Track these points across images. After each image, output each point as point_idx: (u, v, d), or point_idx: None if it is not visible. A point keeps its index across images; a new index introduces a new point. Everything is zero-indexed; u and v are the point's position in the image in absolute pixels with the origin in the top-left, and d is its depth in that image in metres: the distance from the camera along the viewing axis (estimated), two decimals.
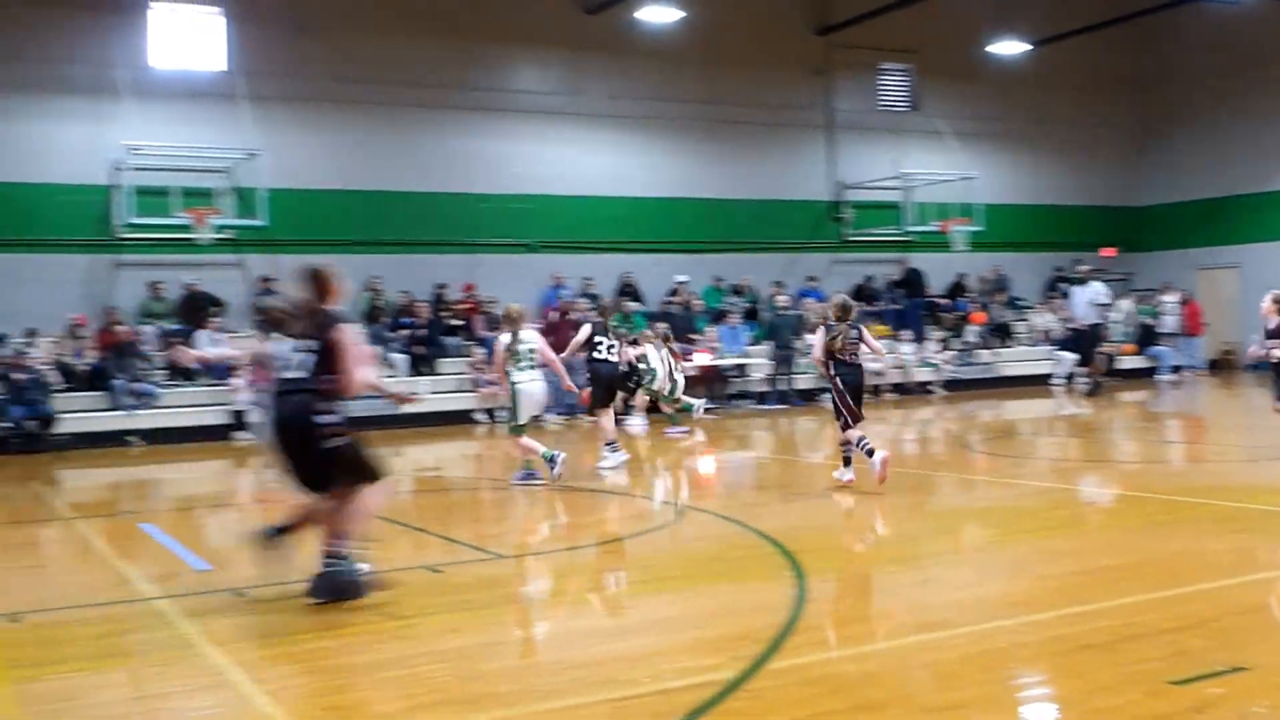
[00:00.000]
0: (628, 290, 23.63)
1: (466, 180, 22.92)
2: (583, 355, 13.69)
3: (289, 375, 6.75)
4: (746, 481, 13.26)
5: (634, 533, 9.38)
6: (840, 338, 10.65)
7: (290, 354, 6.78)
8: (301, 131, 21.68)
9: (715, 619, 6.20)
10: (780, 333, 22.35)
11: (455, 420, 19.34)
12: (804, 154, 26.27)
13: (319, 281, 6.87)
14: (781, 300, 22.88)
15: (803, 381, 22.50)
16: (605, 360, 13.48)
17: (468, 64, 23.19)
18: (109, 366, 18.62)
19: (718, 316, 23.44)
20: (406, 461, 15.02)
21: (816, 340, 10.91)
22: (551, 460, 11.69)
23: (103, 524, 10.70)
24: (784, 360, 22.26)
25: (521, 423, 11.77)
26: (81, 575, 8.44)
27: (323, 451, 6.64)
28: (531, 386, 11.74)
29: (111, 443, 17.98)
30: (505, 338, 11.70)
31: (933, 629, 5.87)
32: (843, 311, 10.79)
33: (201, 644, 5.97)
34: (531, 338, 11.80)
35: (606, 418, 13.37)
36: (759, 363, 22.73)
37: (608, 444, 13.02)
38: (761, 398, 22.39)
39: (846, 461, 10.92)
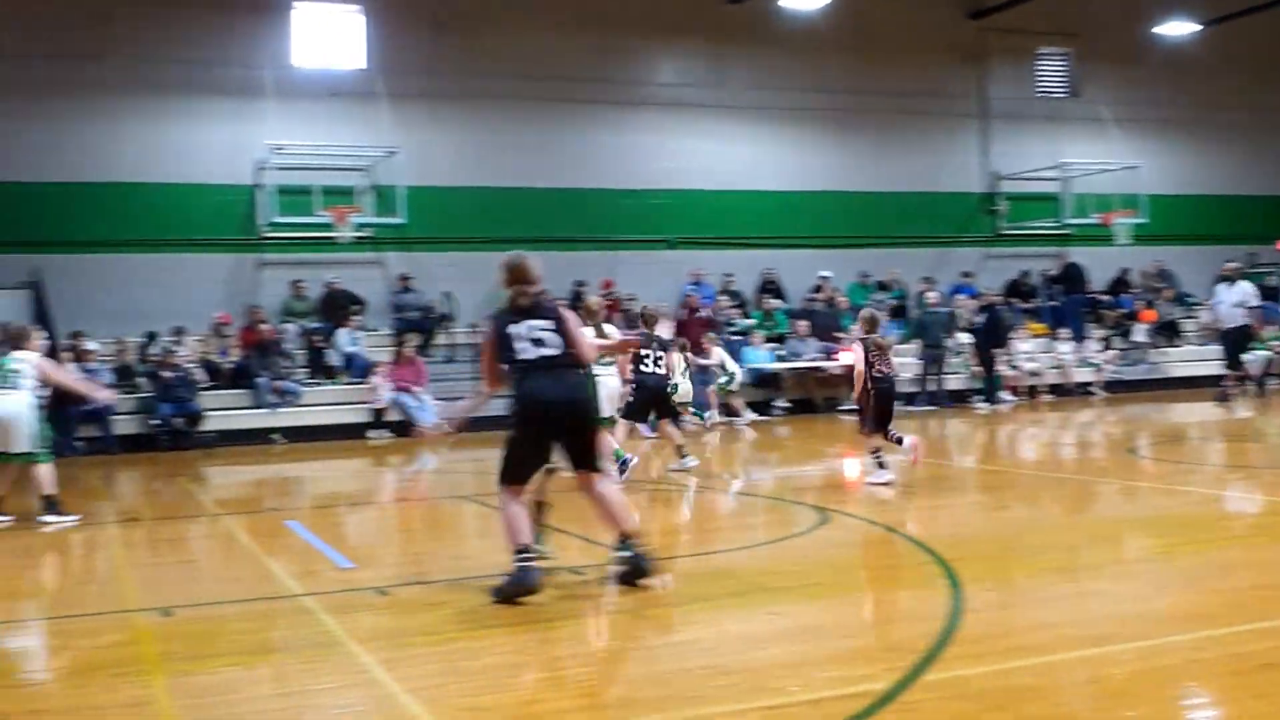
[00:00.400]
0: (770, 287, 23.54)
1: (605, 175, 23.10)
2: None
3: (545, 354, 6.97)
4: (895, 485, 13.05)
5: (779, 537, 9.34)
6: (875, 350, 11.42)
7: (537, 333, 7.05)
8: (439, 128, 22.12)
9: (867, 627, 6.13)
10: (930, 331, 22.00)
11: None
12: (956, 144, 25.82)
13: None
14: (931, 297, 22.52)
15: (954, 382, 22.13)
16: (653, 372, 12.93)
17: (607, 57, 23.37)
18: (252, 365, 19.26)
19: None
20: None
21: (858, 355, 11.53)
22: (623, 464, 11.78)
23: (248, 520, 11.07)
24: (934, 360, 21.91)
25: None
26: (229, 571, 8.74)
27: (591, 426, 7.08)
28: (609, 380, 11.87)
29: (255, 440, 18.60)
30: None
31: (1099, 643, 5.71)
32: (871, 325, 11.59)
33: (347, 641, 6.13)
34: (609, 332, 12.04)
35: (670, 427, 13.28)
36: (907, 362, 22.38)
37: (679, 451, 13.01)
38: (910, 399, 22.05)
39: (881, 465, 11.45)
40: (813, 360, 21.68)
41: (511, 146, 22.60)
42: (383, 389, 19.15)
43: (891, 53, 25.02)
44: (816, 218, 24.47)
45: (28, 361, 10.83)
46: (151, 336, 19.51)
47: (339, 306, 20.78)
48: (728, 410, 20.22)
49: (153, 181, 20.58)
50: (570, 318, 7.22)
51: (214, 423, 18.61)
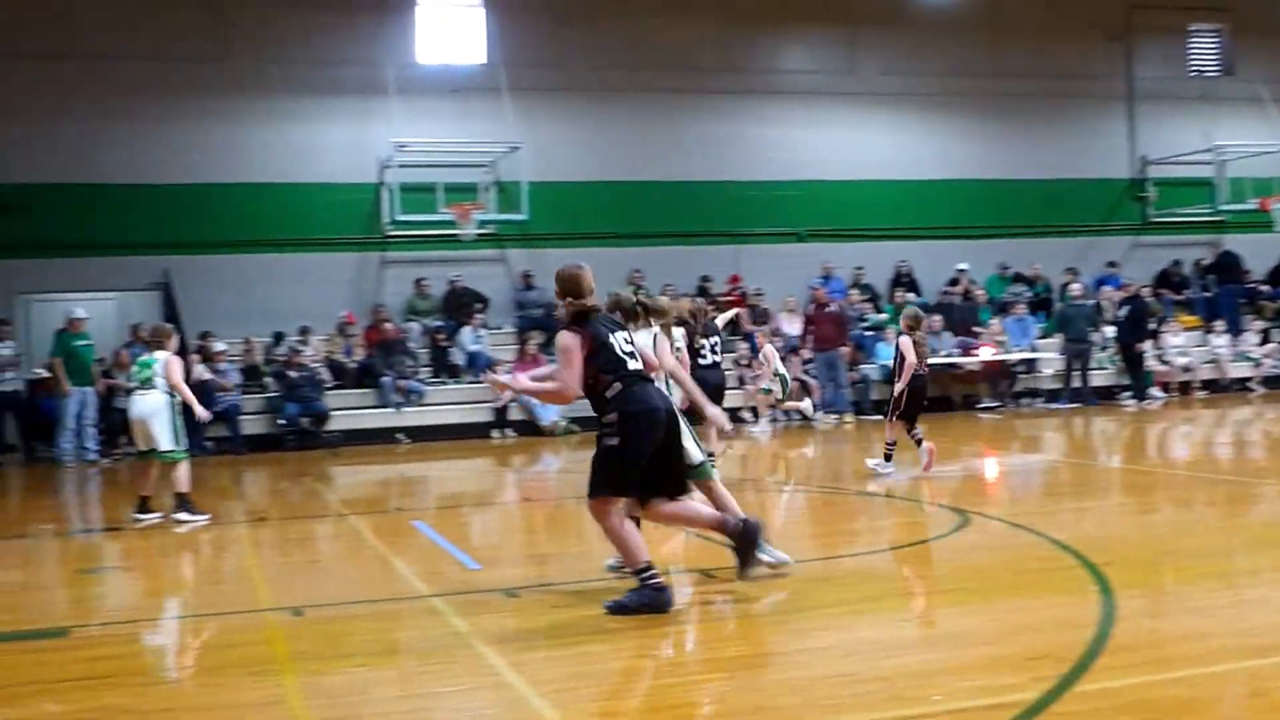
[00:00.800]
0: (903, 280, 23.26)
1: (731, 168, 23.06)
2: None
3: (638, 367, 6.95)
4: (1037, 487, 12.83)
5: (917, 540, 9.23)
6: (919, 347, 12.38)
7: (639, 346, 7.13)
8: (562, 123, 22.31)
9: (1012, 635, 6.03)
10: (1074, 324, 21.50)
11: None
12: (1101, 128, 25.19)
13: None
14: (1075, 289, 22.01)
15: (1099, 378, 21.62)
16: (711, 365, 12.28)
17: (732, 45, 23.34)
18: (376, 364, 19.67)
19: (1002, 307, 22.79)
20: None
21: (909, 349, 12.30)
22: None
23: (374, 520, 11.31)
24: (1078, 355, 21.41)
25: None
26: (357, 571, 8.95)
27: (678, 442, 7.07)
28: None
29: (380, 440, 19.00)
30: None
31: (1261, 654, 5.53)
32: (915, 322, 12.47)
33: (476, 643, 6.23)
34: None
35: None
36: (1049, 358, 21.95)
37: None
38: (1052, 396, 21.61)
39: (888, 458, 12.50)
40: (949, 356, 21.37)
41: (635, 139, 22.70)
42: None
43: (1032, 32, 24.50)
44: (953, 207, 24.09)
45: (160, 361, 11.28)
46: (278, 337, 20.05)
47: (462, 305, 21.10)
48: (784, 412, 19.19)
49: (278, 182, 21.14)
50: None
51: (339, 422, 19.06)
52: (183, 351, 18.15)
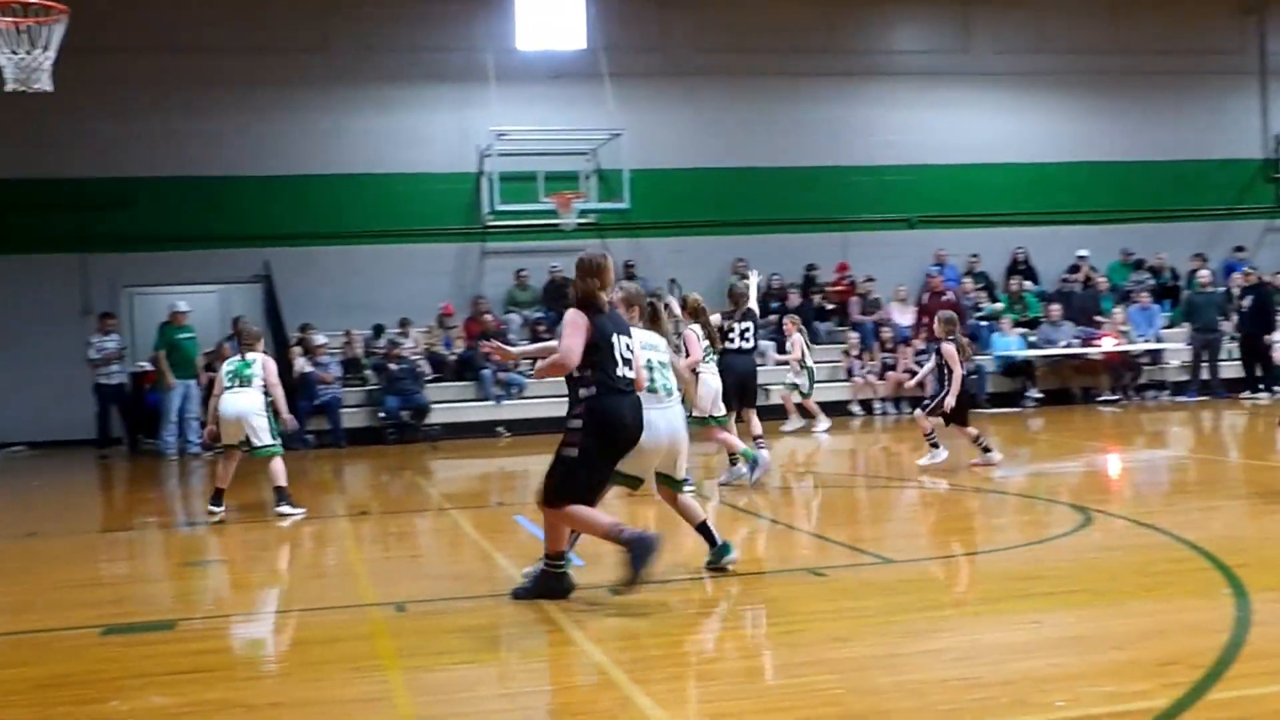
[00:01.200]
0: (1020, 267, 22.89)
1: (838, 152, 22.89)
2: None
3: (628, 376, 7.05)
4: (1163, 484, 12.54)
5: (1036, 539, 9.07)
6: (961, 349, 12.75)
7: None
8: (664, 108, 22.32)
9: (1140, 639, 5.89)
10: (1202, 313, 20.97)
11: (830, 412, 19.16)
12: (1232, 106, 24.53)
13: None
14: (1203, 276, 21.47)
15: (1228, 369, 21.05)
16: (740, 350, 12.02)
17: (840, 24, 23.16)
18: (476, 356, 19.85)
19: (1125, 296, 22.32)
20: (776, 456, 15.15)
21: (954, 358, 12.56)
22: (754, 462, 11.54)
23: (475, 515, 11.41)
24: (1206, 345, 20.87)
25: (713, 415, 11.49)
26: (458, 566, 9.05)
27: None
28: (711, 379, 11.41)
29: (480, 433, 19.18)
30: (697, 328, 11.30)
31: None
32: (952, 326, 12.74)
33: (580, 641, 6.25)
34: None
35: (726, 432, 11.68)
36: (1175, 348, 21.43)
37: (731, 461, 11.84)
38: (1179, 388, 21.10)
39: (935, 445, 12.91)
40: (1068, 347, 20.98)
41: (739, 124, 22.63)
42: None
43: (1158, 5, 23.92)
44: (1072, 191, 23.64)
45: (259, 362, 11.60)
46: (378, 330, 20.33)
47: (562, 295, 21.18)
48: (804, 413, 18.58)
49: (378, 172, 21.45)
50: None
51: (439, 416, 19.28)
52: (282, 345, 18.57)
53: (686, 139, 22.43)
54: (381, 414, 19.10)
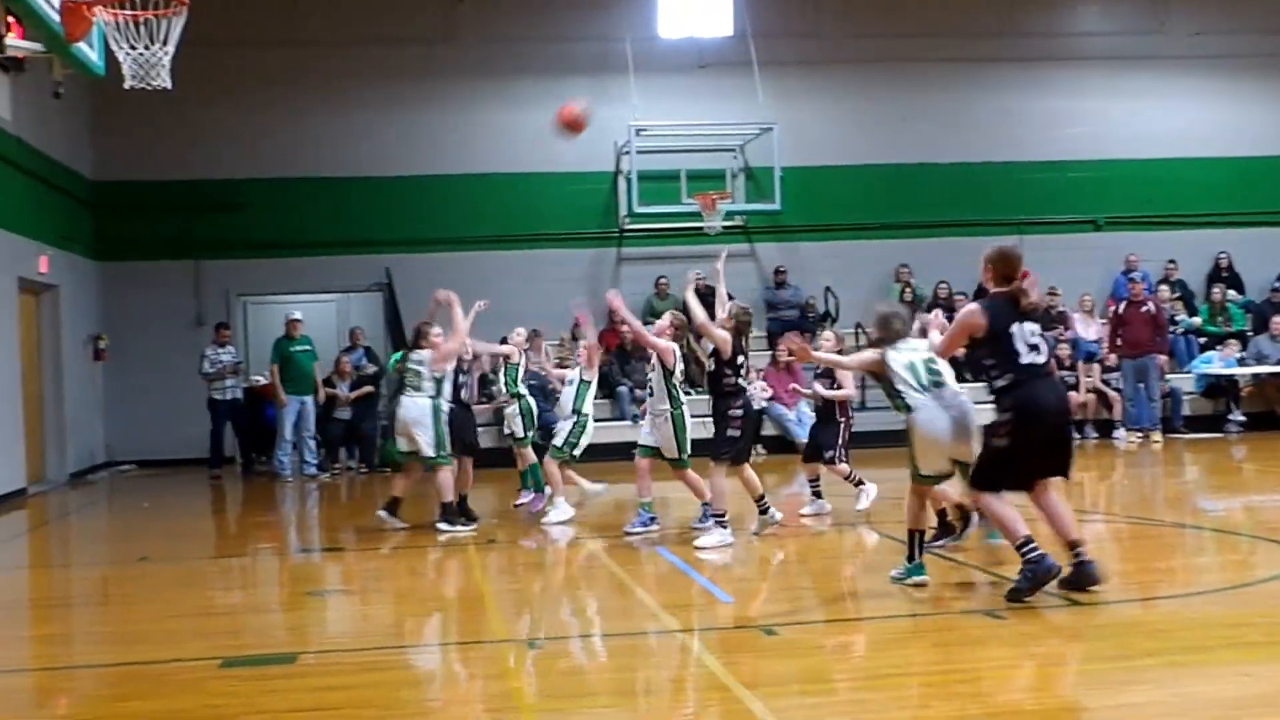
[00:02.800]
0: (1223, 275, 22.28)
1: (1015, 146, 22.58)
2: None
3: (1038, 361, 7.78)
4: None
5: (1245, 581, 8.81)
6: None
7: (1034, 338, 7.80)
8: (819, 99, 22.26)
9: None
10: None
11: None
12: None
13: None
14: None
15: None
16: (742, 389, 11.24)
17: (1016, 5, 22.83)
18: (612, 372, 19.95)
19: None
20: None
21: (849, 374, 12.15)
22: (765, 511, 11.48)
23: (613, 544, 11.45)
24: None
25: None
26: (596, 600, 9.10)
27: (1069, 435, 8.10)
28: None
29: (616, 454, 19.22)
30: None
31: None
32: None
33: (734, 686, 6.24)
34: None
35: (717, 475, 10.91)
36: None
37: (716, 516, 10.94)
38: None
39: (861, 483, 12.18)
40: (1279, 364, 20.33)
41: (903, 117, 22.43)
42: (755, 399, 19.32)
43: None
44: None
45: (425, 362, 12.04)
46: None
47: (706, 306, 21.14)
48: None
49: (506, 172, 21.74)
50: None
51: None
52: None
53: (844, 133, 22.31)
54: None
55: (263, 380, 19.82)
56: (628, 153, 21.07)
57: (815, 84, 22.30)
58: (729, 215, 20.94)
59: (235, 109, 21.23)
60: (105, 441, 20.97)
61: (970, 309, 8.01)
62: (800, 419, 19.00)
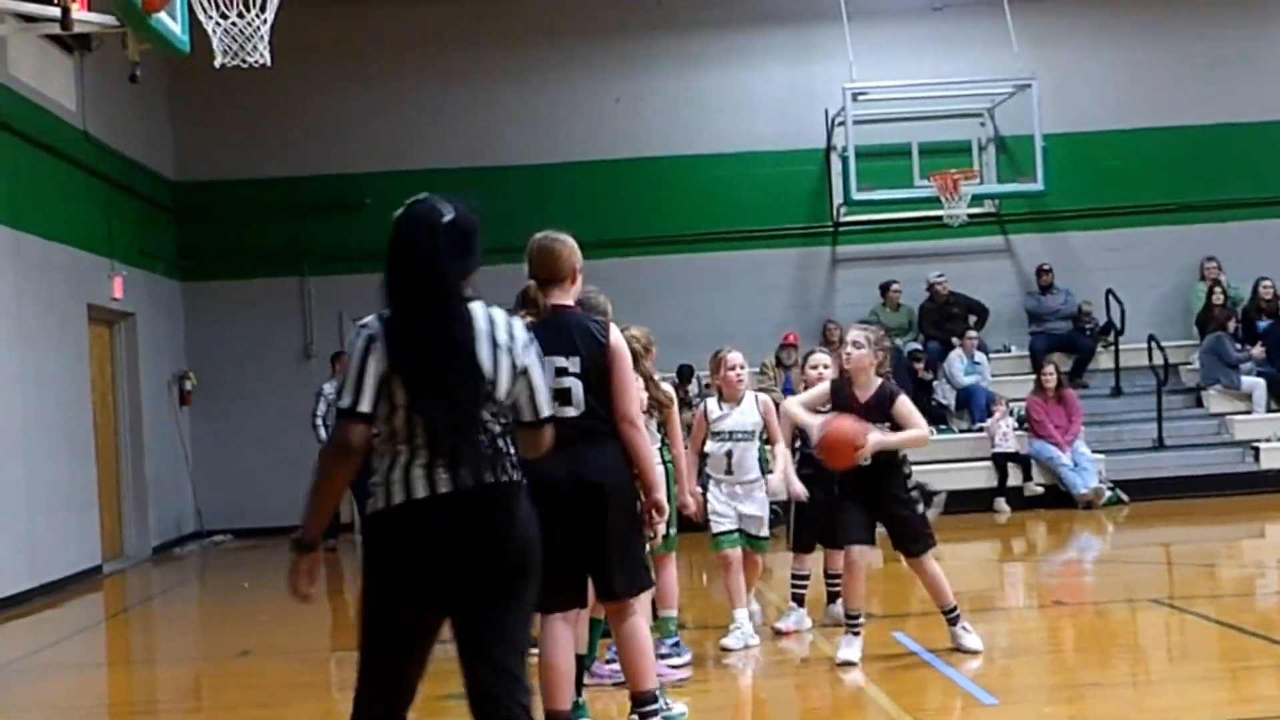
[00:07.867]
0: None
1: None
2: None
3: None
4: None
5: None
6: None
7: None
8: (1092, 47, 22.07)
9: None
10: None
11: None
12: None
13: None
14: None
15: None
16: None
17: None
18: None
19: None
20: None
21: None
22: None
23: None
24: None
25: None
26: (820, 701, 9.11)
27: None
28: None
29: None
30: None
31: None
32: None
33: None
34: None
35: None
36: None
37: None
38: None
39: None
40: None
41: (1209, 63, 21.94)
42: (1010, 437, 19.13)
43: None
44: None
45: None
46: (685, 373, 20.15)
47: (949, 318, 21.04)
48: None
49: (685, 154, 21.86)
50: None
51: None
52: None
53: (1127, 88, 21.97)
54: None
55: None
56: (842, 123, 21.00)
57: (1086, 28, 22.05)
58: (976, 200, 20.75)
59: (347, 88, 21.69)
60: (195, 507, 21.39)
61: None
62: (1078, 462, 18.70)
